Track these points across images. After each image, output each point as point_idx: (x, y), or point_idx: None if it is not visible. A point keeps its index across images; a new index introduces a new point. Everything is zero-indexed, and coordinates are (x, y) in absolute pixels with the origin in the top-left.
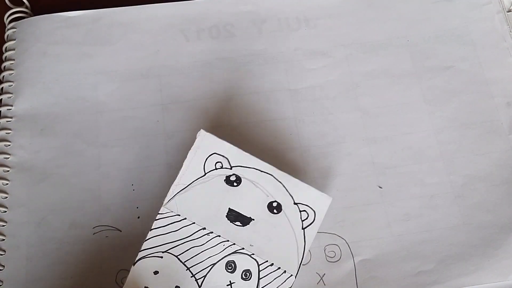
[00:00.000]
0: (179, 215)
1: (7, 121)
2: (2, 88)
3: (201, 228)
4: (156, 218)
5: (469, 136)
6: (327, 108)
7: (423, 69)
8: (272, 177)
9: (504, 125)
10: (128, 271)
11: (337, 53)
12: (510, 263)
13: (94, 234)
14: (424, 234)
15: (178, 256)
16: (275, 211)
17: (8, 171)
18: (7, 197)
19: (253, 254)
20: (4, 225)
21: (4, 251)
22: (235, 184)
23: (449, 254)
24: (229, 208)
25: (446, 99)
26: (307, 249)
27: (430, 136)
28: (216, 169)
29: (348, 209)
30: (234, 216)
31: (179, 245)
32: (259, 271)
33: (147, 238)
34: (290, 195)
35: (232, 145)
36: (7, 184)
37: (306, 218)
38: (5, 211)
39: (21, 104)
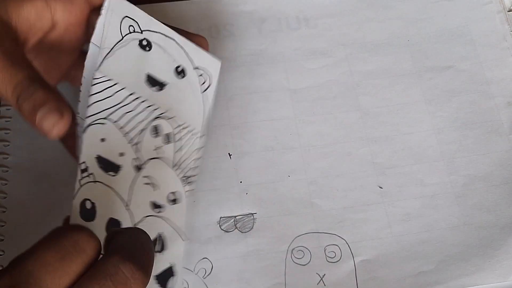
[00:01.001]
0: (112, 79)
1: (5, 121)
2: None
3: (130, 93)
4: (93, 84)
5: (469, 136)
6: (327, 108)
7: (423, 69)
8: (174, 42)
9: (504, 125)
10: None
11: (337, 53)
12: (510, 264)
13: None
14: (424, 235)
15: (117, 122)
16: (181, 75)
17: (7, 171)
18: (5, 197)
19: (172, 117)
20: (3, 225)
21: (3, 251)
22: (147, 48)
23: (450, 254)
24: (147, 73)
25: (447, 99)
26: (207, 112)
27: (431, 136)
28: (130, 32)
29: (348, 209)
30: (152, 81)
31: (115, 111)
32: (174, 134)
33: (89, 103)
34: (190, 60)
35: (138, 9)
36: (6, 184)
37: (204, 82)
38: (4, 211)
39: None
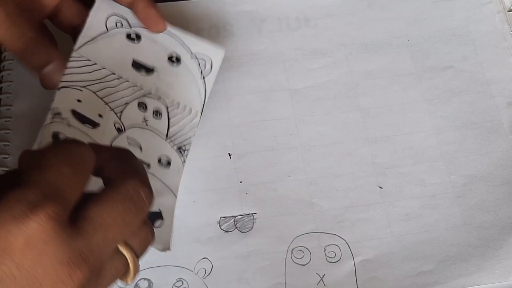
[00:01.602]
0: (90, 60)
1: (6, 121)
2: (1, 88)
3: (111, 73)
4: (69, 60)
5: (469, 136)
6: (327, 108)
7: (423, 69)
8: (167, 35)
9: (504, 125)
10: None
11: (337, 53)
12: (510, 264)
13: None
14: (424, 235)
15: (96, 92)
16: (175, 63)
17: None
18: None
19: (162, 97)
20: None
21: None
22: (135, 41)
23: (450, 254)
24: (133, 59)
25: (447, 99)
26: (208, 93)
27: (431, 136)
28: (117, 27)
29: (348, 209)
30: (138, 66)
31: (94, 84)
32: (168, 112)
33: (64, 74)
34: (187, 49)
35: (129, 9)
36: None
37: (205, 68)
38: None
39: (20, 104)
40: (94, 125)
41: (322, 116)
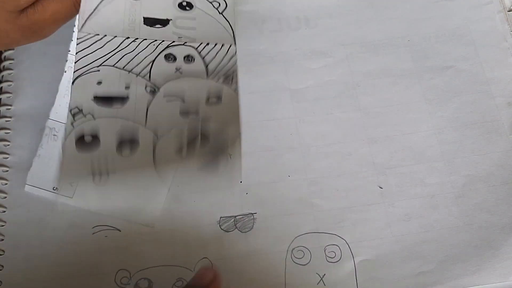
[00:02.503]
0: (98, 34)
1: (6, 121)
2: (1, 87)
3: (125, 38)
4: (77, 43)
5: (470, 136)
6: (327, 108)
7: (423, 69)
8: None
9: (505, 125)
10: (127, 270)
11: (337, 53)
12: (510, 264)
13: (93, 234)
14: (424, 235)
15: (115, 65)
16: (187, 8)
17: (7, 171)
18: (6, 197)
19: (185, 43)
20: (3, 225)
21: (3, 251)
22: None
23: (450, 254)
24: (143, 17)
25: (447, 99)
26: (233, 25)
27: (431, 136)
28: None
29: (348, 209)
30: (151, 22)
31: (110, 57)
32: (199, 52)
33: (75, 60)
34: None
35: None
36: (6, 184)
37: (219, 6)
38: (4, 211)
39: (20, 103)
40: (123, 101)
41: (322, 116)
